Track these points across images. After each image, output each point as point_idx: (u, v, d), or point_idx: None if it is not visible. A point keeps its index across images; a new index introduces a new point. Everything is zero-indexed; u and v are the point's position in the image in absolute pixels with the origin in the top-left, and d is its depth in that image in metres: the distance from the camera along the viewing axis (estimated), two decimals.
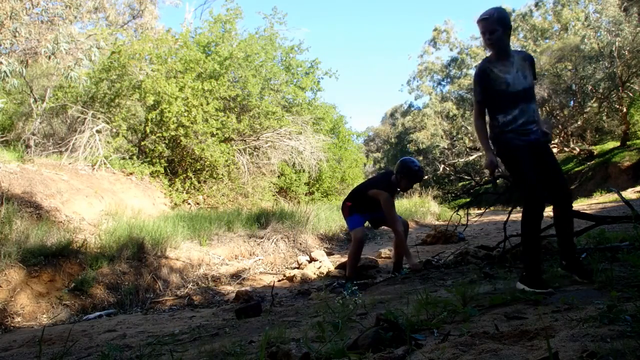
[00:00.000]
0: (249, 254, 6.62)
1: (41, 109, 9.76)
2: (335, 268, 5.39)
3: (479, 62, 3.08)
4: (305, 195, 13.63)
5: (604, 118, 22.55)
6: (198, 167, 10.14)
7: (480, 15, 2.83)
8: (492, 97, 2.87)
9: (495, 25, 2.79)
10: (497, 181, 3.58)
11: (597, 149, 21.39)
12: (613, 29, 18.65)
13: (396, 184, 4.47)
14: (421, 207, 12.57)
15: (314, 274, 5.40)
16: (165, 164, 9.89)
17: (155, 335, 2.90)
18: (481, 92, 2.87)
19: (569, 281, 2.74)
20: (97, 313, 4.23)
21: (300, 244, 7.12)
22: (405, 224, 4.64)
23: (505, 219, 4.15)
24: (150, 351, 2.30)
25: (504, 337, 1.62)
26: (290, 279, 5.34)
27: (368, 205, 4.49)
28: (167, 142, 9.91)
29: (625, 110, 19.98)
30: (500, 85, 2.83)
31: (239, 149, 10.78)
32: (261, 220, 7.57)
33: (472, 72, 34.62)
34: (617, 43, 18.24)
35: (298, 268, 5.79)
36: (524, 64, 2.90)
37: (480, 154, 28.74)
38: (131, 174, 9.04)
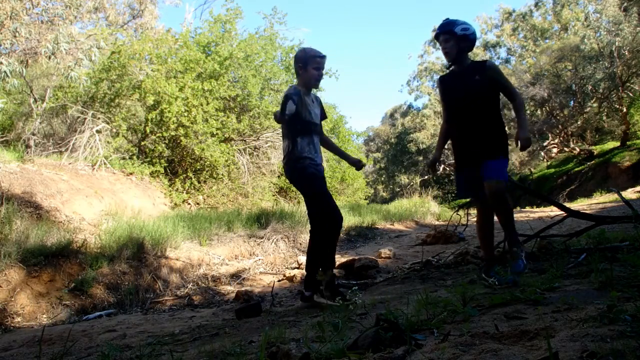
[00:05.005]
0: (249, 254, 6.62)
1: (41, 109, 9.76)
2: (335, 268, 5.38)
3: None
4: None
5: (604, 118, 22.57)
6: (198, 167, 10.14)
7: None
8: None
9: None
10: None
11: (597, 149, 21.40)
12: (613, 29, 18.67)
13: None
14: (421, 207, 12.56)
15: None
16: (165, 164, 9.89)
17: (155, 335, 2.90)
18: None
19: (569, 281, 2.74)
20: (97, 313, 4.23)
21: (300, 244, 7.12)
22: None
23: None
24: (150, 351, 2.30)
25: (504, 337, 1.62)
26: (290, 279, 5.33)
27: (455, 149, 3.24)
28: (167, 142, 9.91)
29: (625, 110, 19.99)
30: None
31: (239, 149, 10.78)
32: (261, 220, 7.57)
33: None
34: (617, 43, 18.25)
35: (298, 268, 5.78)
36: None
37: None
38: (131, 174, 9.04)
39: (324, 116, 3.49)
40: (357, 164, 3.57)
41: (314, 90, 3.48)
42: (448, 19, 3.14)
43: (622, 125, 20.82)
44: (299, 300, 3.76)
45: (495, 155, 3.01)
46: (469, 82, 3.10)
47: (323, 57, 3.29)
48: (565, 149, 23.05)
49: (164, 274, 5.33)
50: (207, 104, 9.95)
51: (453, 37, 3.04)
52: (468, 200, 3.18)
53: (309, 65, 3.26)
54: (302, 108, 3.19)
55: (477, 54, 33.93)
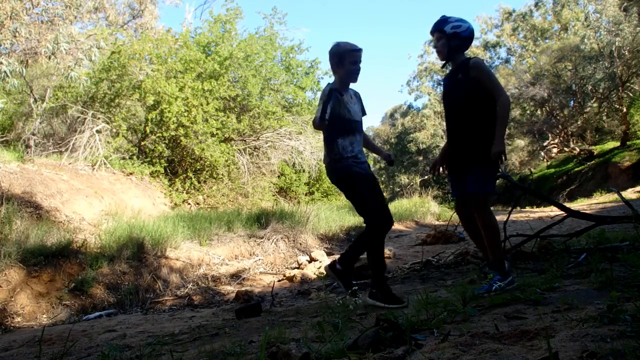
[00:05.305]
0: (249, 254, 6.62)
1: (41, 109, 9.76)
2: None
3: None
4: (305, 195, 13.64)
5: (604, 118, 22.59)
6: (198, 167, 10.14)
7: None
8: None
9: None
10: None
11: (597, 149, 21.41)
12: (613, 29, 18.67)
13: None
14: (421, 207, 12.55)
15: (314, 274, 5.40)
16: (165, 164, 9.89)
17: (155, 335, 2.90)
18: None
19: (569, 281, 2.74)
20: (97, 313, 4.23)
21: (300, 244, 7.12)
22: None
23: (505, 219, 4.15)
24: (150, 351, 2.30)
25: (504, 337, 1.62)
26: (290, 279, 5.34)
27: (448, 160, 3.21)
28: (167, 142, 9.91)
29: (625, 110, 20.00)
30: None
31: (239, 149, 10.78)
32: (261, 220, 7.57)
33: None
34: (617, 43, 18.26)
35: (298, 268, 5.78)
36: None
37: None
38: (131, 174, 9.04)
39: (364, 112, 3.31)
40: (388, 158, 3.39)
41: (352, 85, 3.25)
42: (444, 16, 3.07)
43: (622, 125, 20.82)
44: (299, 300, 3.75)
45: (479, 162, 2.87)
46: (454, 81, 3.04)
47: (359, 50, 3.10)
48: (565, 149, 23.06)
49: (164, 274, 5.33)
50: (207, 104, 9.95)
51: (444, 35, 2.98)
52: None
53: (345, 60, 3.07)
54: (340, 107, 3.05)
55: (477, 54, 34.00)
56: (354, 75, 3.13)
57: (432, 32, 3.08)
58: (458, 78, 3.00)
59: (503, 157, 2.79)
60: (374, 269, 3.03)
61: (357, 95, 3.28)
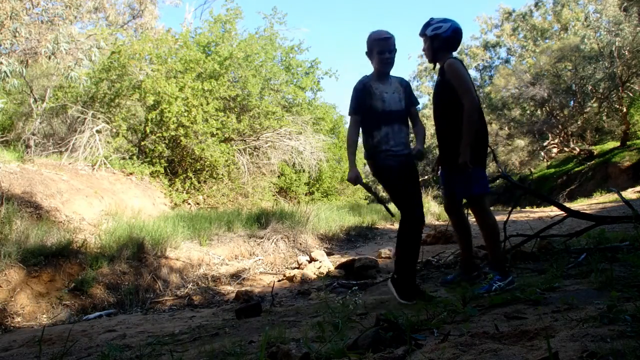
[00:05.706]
0: (249, 254, 6.62)
1: (41, 109, 9.76)
2: (335, 268, 5.38)
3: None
4: (305, 195, 13.64)
5: (604, 118, 22.58)
6: (198, 167, 10.14)
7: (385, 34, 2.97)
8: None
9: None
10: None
11: (597, 149, 21.40)
12: (613, 29, 18.66)
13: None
14: None
15: (314, 274, 5.40)
16: (165, 164, 9.89)
17: (155, 335, 2.90)
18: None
19: (569, 281, 2.74)
20: (97, 313, 4.23)
21: (300, 244, 7.12)
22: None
23: (505, 219, 4.15)
24: (150, 351, 2.30)
25: (504, 337, 1.62)
26: (290, 279, 5.34)
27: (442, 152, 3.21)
28: (167, 142, 9.91)
29: (625, 110, 19.99)
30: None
31: (239, 149, 10.78)
32: (261, 220, 7.57)
33: (473, 72, 34.78)
34: (617, 43, 18.25)
35: (298, 268, 5.78)
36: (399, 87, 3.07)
37: None
38: (131, 174, 9.04)
39: (410, 101, 3.07)
40: (416, 152, 3.07)
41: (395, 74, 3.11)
42: (431, 18, 3.10)
43: (622, 125, 20.81)
44: (299, 300, 3.75)
45: (458, 167, 2.85)
46: (436, 83, 3.11)
47: (385, 38, 2.96)
48: (565, 149, 23.05)
49: (164, 274, 5.33)
50: (207, 104, 9.95)
51: (427, 38, 3.05)
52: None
53: (373, 50, 2.98)
54: (372, 98, 2.95)
55: (477, 54, 34.02)
56: (383, 64, 2.99)
57: (420, 36, 3.14)
58: (438, 80, 3.05)
59: (469, 167, 2.80)
60: (402, 259, 2.92)
61: (403, 84, 3.10)
